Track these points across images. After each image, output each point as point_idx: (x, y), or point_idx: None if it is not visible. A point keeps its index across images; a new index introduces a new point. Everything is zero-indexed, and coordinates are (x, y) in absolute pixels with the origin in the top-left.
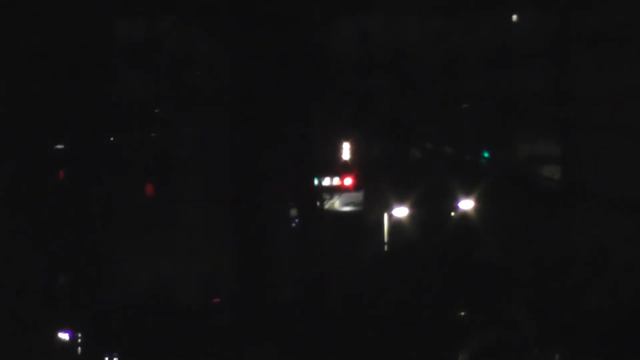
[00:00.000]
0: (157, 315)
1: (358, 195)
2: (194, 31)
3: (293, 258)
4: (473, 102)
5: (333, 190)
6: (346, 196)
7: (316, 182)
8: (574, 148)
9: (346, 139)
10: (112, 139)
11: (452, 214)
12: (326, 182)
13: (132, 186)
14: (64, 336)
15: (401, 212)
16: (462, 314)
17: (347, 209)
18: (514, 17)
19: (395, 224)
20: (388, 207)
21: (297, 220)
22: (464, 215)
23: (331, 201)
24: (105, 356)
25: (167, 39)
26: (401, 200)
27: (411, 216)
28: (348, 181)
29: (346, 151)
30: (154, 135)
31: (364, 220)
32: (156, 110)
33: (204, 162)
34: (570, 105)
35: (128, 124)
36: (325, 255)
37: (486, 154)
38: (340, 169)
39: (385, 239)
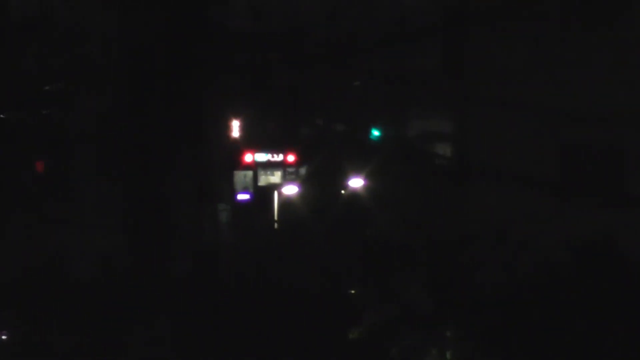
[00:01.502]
0: (49, 290)
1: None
2: (87, 6)
3: (187, 232)
4: (366, 79)
5: (276, 166)
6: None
7: (252, 158)
8: (467, 124)
9: (237, 117)
10: (2, 115)
11: (343, 191)
12: (271, 157)
13: (23, 162)
14: None
15: (291, 189)
16: (354, 291)
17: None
18: None
19: (285, 202)
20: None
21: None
22: (356, 193)
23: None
24: None
25: (60, 13)
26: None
27: (301, 194)
28: (291, 157)
29: (236, 129)
30: (46, 111)
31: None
32: (47, 87)
33: (98, 137)
34: (463, 81)
35: (20, 100)
36: (219, 231)
37: (378, 131)
38: (284, 144)
39: (275, 216)
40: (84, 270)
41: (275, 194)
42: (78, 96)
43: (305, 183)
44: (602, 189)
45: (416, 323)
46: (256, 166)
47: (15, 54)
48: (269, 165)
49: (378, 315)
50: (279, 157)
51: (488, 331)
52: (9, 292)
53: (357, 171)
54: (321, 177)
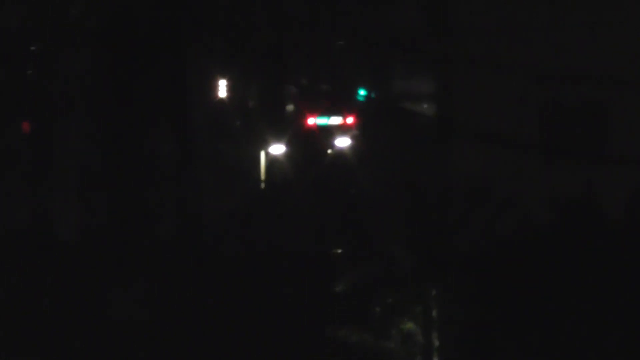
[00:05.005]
0: (32, 250)
1: None
2: None
3: (171, 194)
4: (349, 38)
5: (334, 130)
6: None
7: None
8: (450, 84)
9: (223, 76)
10: None
11: (329, 150)
12: (329, 120)
13: (8, 123)
14: None
15: (278, 149)
16: (339, 250)
17: None
18: None
19: (272, 162)
20: (265, 145)
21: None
22: (341, 152)
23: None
24: None
25: None
26: (277, 138)
27: (288, 154)
28: (350, 120)
29: (222, 88)
30: (30, 72)
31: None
32: (32, 48)
33: (81, 98)
34: (446, 40)
35: (4, 60)
36: (202, 193)
37: (363, 91)
38: (341, 106)
39: (262, 176)
40: (66, 231)
41: (262, 153)
42: (60, 57)
43: (292, 142)
44: (584, 148)
45: (399, 282)
46: (318, 129)
47: None
48: (329, 128)
49: (361, 274)
50: (337, 120)
51: (471, 290)
52: None
53: (342, 131)
54: (307, 137)
